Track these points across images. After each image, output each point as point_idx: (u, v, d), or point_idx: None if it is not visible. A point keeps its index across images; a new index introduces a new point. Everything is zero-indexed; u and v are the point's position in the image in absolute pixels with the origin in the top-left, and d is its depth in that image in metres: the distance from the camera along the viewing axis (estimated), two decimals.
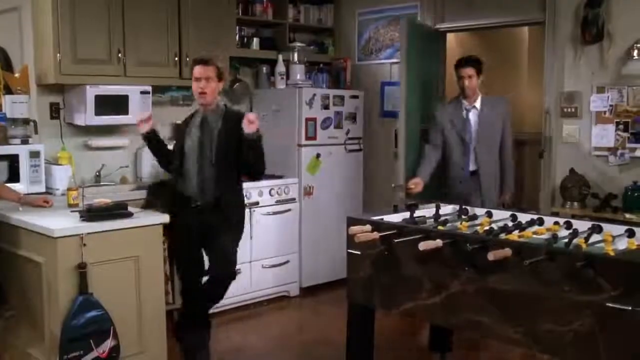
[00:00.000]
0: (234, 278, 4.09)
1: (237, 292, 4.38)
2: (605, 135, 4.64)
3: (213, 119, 3.94)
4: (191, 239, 4.00)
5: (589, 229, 3.16)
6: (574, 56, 4.75)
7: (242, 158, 3.87)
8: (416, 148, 4.94)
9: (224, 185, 3.92)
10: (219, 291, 4.06)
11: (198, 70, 3.89)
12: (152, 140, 4.08)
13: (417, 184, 4.56)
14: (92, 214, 3.54)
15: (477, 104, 4.53)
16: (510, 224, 3.38)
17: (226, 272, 4.00)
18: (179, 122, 4.24)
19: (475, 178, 4.51)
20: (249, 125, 3.74)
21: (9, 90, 4.60)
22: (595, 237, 3.04)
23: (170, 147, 4.21)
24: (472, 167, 4.53)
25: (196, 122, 3.99)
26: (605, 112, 4.65)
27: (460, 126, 4.54)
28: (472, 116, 4.53)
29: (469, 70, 4.49)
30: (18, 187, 4.13)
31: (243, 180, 4.12)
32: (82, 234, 3.38)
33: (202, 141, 3.92)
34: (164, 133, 4.96)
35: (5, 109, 4.43)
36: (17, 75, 4.64)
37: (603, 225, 3.21)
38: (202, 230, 3.94)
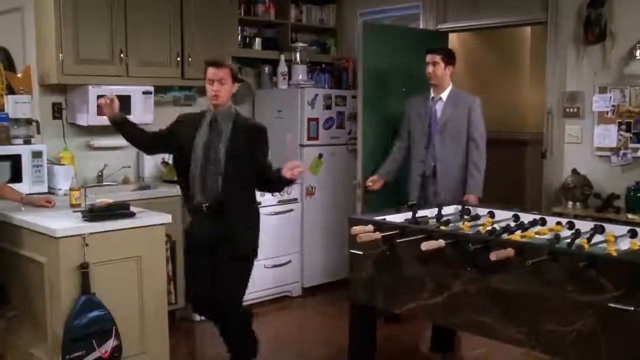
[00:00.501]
0: (237, 319, 3.83)
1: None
2: (607, 135, 4.64)
3: (224, 120, 3.74)
4: (199, 246, 3.76)
5: (591, 229, 3.16)
6: (576, 56, 4.74)
7: (266, 179, 3.77)
8: (374, 146, 4.94)
9: (232, 192, 3.67)
10: (228, 327, 3.86)
11: (212, 72, 3.70)
12: (123, 125, 3.86)
13: (374, 182, 4.58)
14: (94, 214, 3.54)
15: (444, 95, 4.44)
16: (512, 224, 3.38)
17: (224, 306, 3.75)
18: (184, 114, 4.03)
19: (435, 173, 4.42)
20: (291, 173, 3.60)
21: (11, 91, 4.61)
22: (597, 238, 3.04)
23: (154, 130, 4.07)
24: (431, 162, 4.43)
25: (206, 122, 3.76)
26: (607, 112, 4.64)
27: (424, 116, 4.47)
28: (438, 107, 4.44)
29: (434, 57, 4.39)
30: (20, 187, 4.13)
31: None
32: (85, 234, 3.38)
33: (211, 142, 3.70)
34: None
35: (8, 109, 4.44)
36: (19, 75, 4.65)
37: (605, 225, 3.21)
38: (211, 239, 3.69)
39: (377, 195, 4.74)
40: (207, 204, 3.67)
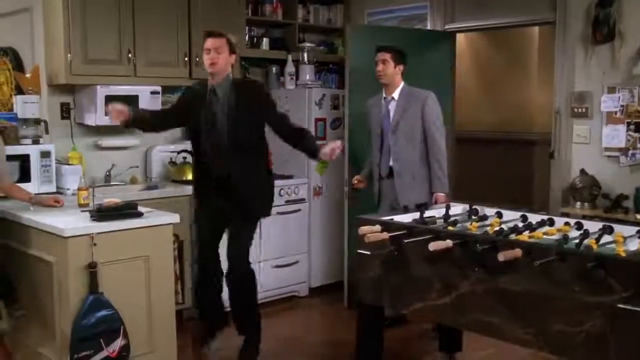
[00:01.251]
0: (247, 275, 4.07)
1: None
2: (616, 135, 4.62)
3: (221, 91, 3.89)
4: (211, 218, 4.07)
5: (599, 229, 3.14)
6: (584, 56, 4.72)
7: (289, 132, 3.97)
8: (364, 146, 4.89)
9: (240, 162, 3.87)
10: (237, 290, 4.10)
11: (210, 41, 3.84)
12: (133, 124, 4.06)
13: (359, 181, 4.67)
14: (102, 213, 3.55)
15: (396, 94, 4.39)
16: (520, 224, 3.37)
17: (237, 263, 4.02)
18: (189, 88, 4.23)
19: (391, 176, 4.39)
20: (328, 155, 3.83)
21: (20, 91, 4.63)
22: (606, 238, 3.02)
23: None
24: (387, 163, 4.40)
25: (205, 96, 3.92)
26: (616, 113, 4.62)
27: (378, 118, 4.44)
28: (391, 107, 4.40)
29: (384, 55, 4.34)
30: (29, 186, 4.15)
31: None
32: (93, 234, 3.39)
33: (212, 116, 3.88)
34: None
35: (17, 109, 4.46)
36: (28, 75, 4.67)
37: (614, 226, 3.19)
38: (222, 209, 3.98)
39: (362, 195, 4.79)
40: (217, 175, 3.90)
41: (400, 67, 4.39)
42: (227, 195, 3.92)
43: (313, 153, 3.93)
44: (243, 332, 4.16)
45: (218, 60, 3.82)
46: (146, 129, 4.28)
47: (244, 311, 4.14)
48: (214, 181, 3.95)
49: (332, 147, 3.81)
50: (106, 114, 4.03)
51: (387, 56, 4.34)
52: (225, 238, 4.13)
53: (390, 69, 4.35)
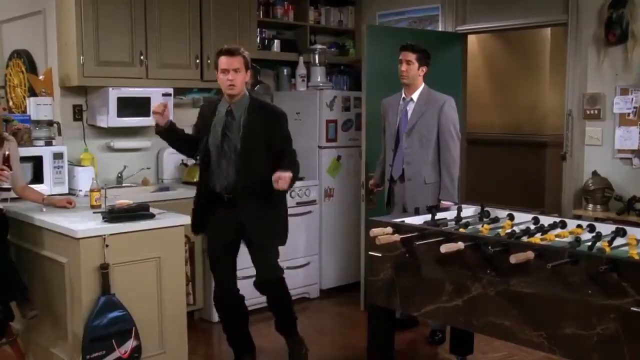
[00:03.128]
0: (279, 284, 3.97)
1: (256, 294, 4.40)
2: (629, 137, 4.59)
3: (238, 111, 3.73)
4: (223, 236, 3.83)
5: (612, 232, 3.12)
6: (597, 57, 4.69)
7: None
8: (380, 148, 4.83)
9: (254, 178, 3.69)
10: (271, 294, 4.01)
11: (225, 61, 3.65)
12: (165, 133, 3.86)
13: (376, 185, 4.69)
14: (114, 215, 3.57)
15: (415, 96, 4.33)
16: (532, 226, 3.36)
17: (268, 279, 3.89)
18: (203, 105, 4.02)
19: (403, 177, 4.35)
20: (278, 185, 3.55)
21: (33, 93, 4.67)
22: (619, 241, 3.01)
23: (189, 130, 4.06)
24: (399, 165, 4.36)
25: (221, 115, 3.76)
26: (629, 114, 4.59)
27: (395, 118, 4.40)
28: (409, 108, 4.34)
29: (409, 55, 4.26)
30: (42, 188, 4.18)
31: None
32: (105, 235, 3.41)
33: (227, 134, 3.72)
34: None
35: (30, 111, 4.50)
36: (41, 77, 4.71)
37: (627, 228, 3.17)
38: (235, 227, 3.77)
39: (379, 196, 4.79)
40: (231, 195, 3.74)
41: (424, 69, 4.32)
42: (241, 208, 3.74)
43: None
44: (286, 335, 4.08)
45: (236, 82, 3.66)
46: (174, 145, 4.08)
47: (281, 316, 4.07)
48: (222, 200, 3.78)
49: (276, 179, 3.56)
50: (153, 112, 3.79)
51: (412, 57, 4.27)
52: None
53: (413, 71, 4.29)
